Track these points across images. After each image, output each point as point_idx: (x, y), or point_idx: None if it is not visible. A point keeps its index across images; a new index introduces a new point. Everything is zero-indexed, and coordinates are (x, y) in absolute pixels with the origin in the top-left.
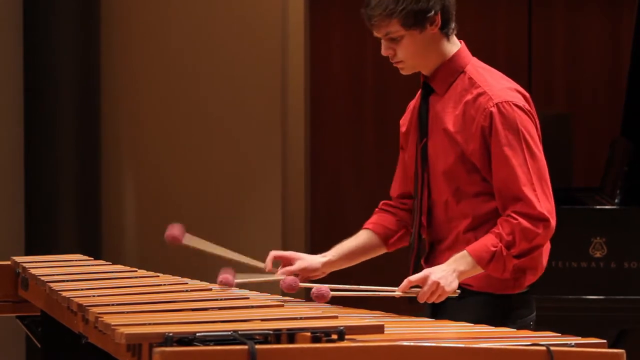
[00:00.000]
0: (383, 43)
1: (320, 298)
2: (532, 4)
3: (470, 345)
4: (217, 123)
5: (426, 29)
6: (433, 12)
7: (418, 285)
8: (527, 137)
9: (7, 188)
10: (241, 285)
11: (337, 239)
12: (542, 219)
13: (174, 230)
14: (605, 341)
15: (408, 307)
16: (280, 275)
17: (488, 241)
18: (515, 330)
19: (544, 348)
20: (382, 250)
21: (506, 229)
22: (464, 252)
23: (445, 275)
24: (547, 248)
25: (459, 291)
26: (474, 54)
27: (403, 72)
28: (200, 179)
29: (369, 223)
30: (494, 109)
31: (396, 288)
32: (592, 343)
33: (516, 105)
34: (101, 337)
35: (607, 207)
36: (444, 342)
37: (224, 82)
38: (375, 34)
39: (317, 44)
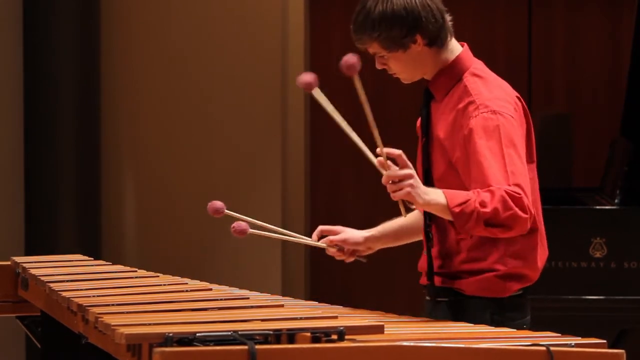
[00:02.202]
0: (376, 59)
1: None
2: (532, 4)
3: (471, 346)
4: (217, 123)
5: (410, 48)
6: (409, 37)
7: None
8: (507, 143)
9: (7, 188)
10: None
11: None
12: (522, 205)
13: (216, 204)
14: (605, 341)
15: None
16: (321, 243)
17: (465, 193)
18: (515, 330)
19: (544, 348)
20: None
21: (485, 191)
22: (439, 190)
23: (421, 186)
24: (542, 254)
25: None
26: (473, 54)
27: (404, 82)
28: (200, 179)
29: None
30: (476, 117)
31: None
32: (592, 343)
33: (500, 114)
34: (101, 337)
35: (607, 207)
36: (444, 343)
37: (224, 82)
38: (368, 50)
39: (317, 44)
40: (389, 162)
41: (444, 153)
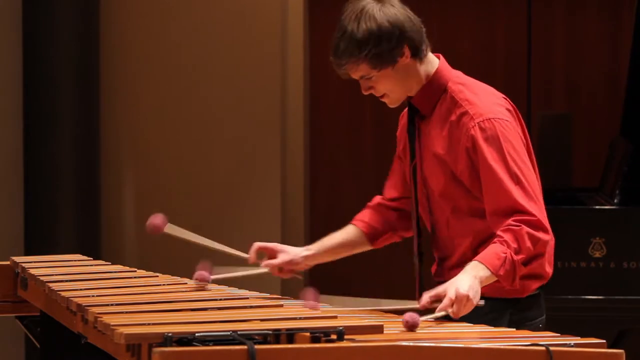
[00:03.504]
0: (361, 84)
1: (313, 307)
2: (532, 4)
3: (470, 346)
4: (217, 123)
5: (397, 62)
6: (399, 48)
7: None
8: (511, 152)
9: (6, 188)
10: (219, 282)
11: None
12: (542, 227)
13: (156, 219)
14: (604, 341)
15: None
16: (263, 268)
17: (497, 249)
18: (514, 330)
19: (543, 348)
20: (367, 248)
21: (510, 236)
22: (475, 262)
23: (472, 285)
24: (550, 256)
25: (482, 302)
26: (473, 55)
27: (391, 105)
28: (200, 179)
29: (357, 220)
30: (475, 129)
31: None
32: (592, 343)
33: (497, 120)
34: (100, 337)
35: (606, 207)
36: (443, 342)
37: (223, 83)
38: (352, 76)
39: (317, 45)
40: (429, 298)
41: (445, 167)
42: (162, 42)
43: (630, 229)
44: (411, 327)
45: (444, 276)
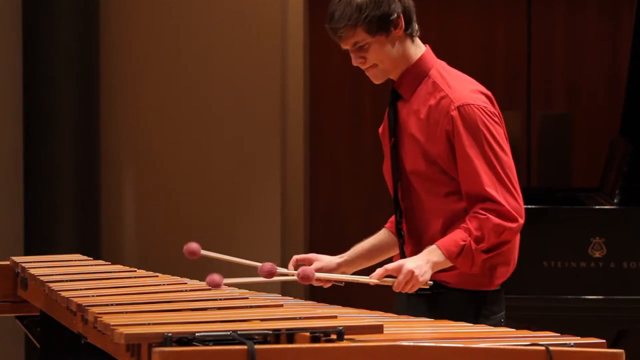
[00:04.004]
0: (352, 54)
1: (306, 279)
2: (532, 5)
3: (470, 345)
4: (217, 123)
5: (391, 32)
6: (396, 15)
7: (392, 275)
8: (489, 138)
9: (6, 188)
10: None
11: (336, 239)
12: (509, 217)
13: (192, 245)
14: (604, 341)
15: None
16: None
17: (457, 236)
18: (514, 330)
19: (543, 348)
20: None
21: (474, 224)
22: (434, 246)
23: (420, 265)
24: (516, 244)
25: (431, 282)
26: (473, 55)
27: (376, 81)
28: (199, 179)
29: (388, 222)
30: (455, 112)
31: (370, 278)
32: (592, 343)
33: (477, 107)
34: (100, 337)
35: (606, 207)
36: (443, 342)
37: (223, 83)
38: (343, 46)
39: (317, 44)
40: (378, 272)
41: (421, 149)
42: (162, 42)
43: (630, 229)
44: (266, 275)
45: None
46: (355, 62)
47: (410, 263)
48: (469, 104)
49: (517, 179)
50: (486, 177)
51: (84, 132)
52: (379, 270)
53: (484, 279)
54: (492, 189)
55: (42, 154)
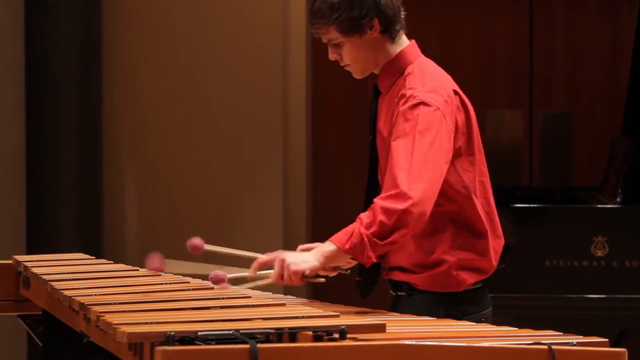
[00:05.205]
0: (329, 48)
1: (195, 249)
2: (533, 4)
3: (472, 344)
4: (219, 122)
5: (365, 33)
6: (368, 19)
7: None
8: (423, 130)
9: (8, 187)
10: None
11: None
12: (401, 197)
13: (196, 239)
14: (607, 340)
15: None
16: None
17: (348, 227)
18: (516, 329)
19: (545, 347)
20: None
21: (367, 212)
22: (327, 240)
23: (301, 255)
24: (496, 247)
25: (348, 271)
26: (474, 54)
27: (355, 76)
28: (201, 177)
29: None
30: (404, 108)
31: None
32: (594, 342)
33: (424, 104)
34: (103, 336)
35: (608, 206)
36: (446, 341)
37: (225, 81)
38: (322, 39)
39: (319, 42)
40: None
41: (386, 145)
42: (164, 42)
43: (632, 227)
44: (215, 282)
45: (390, 259)
46: (331, 57)
47: (288, 254)
48: (418, 103)
49: (438, 172)
50: (402, 160)
51: (85, 131)
52: (254, 263)
53: (451, 280)
54: (400, 170)
55: (44, 153)
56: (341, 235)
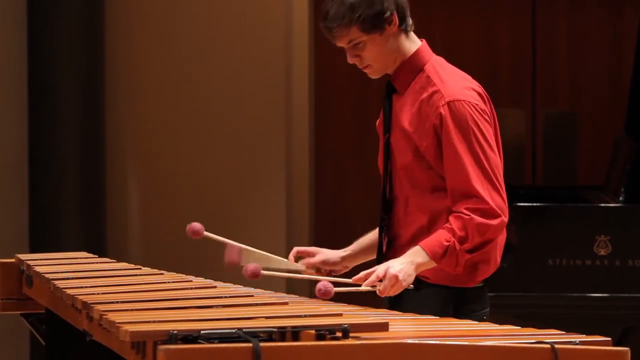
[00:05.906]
0: (347, 52)
1: (326, 294)
2: (536, 4)
3: (475, 343)
4: (221, 122)
5: (385, 29)
6: (389, 13)
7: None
8: (477, 134)
9: (11, 186)
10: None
11: (341, 235)
12: (493, 214)
13: (195, 225)
14: (610, 339)
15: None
16: (300, 266)
17: (441, 236)
18: (519, 328)
19: (548, 346)
20: None
21: (458, 224)
22: (418, 247)
23: (404, 268)
24: (500, 244)
25: (412, 285)
26: (478, 55)
27: (372, 76)
28: (204, 177)
29: None
30: (445, 107)
31: (354, 280)
32: (597, 341)
33: (467, 103)
34: (105, 334)
35: (611, 205)
36: (449, 340)
37: (228, 81)
38: (338, 44)
39: (322, 42)
40: (363, 275)
41: (410, 143)
42: (167, 43)
43: (635, 226)
44: (323, 295)
45: (396, 255)
46: (350, 61)
47: (394, 267)
48: (459, 100)
49: (502, 178)
50: (473, 173)
51: (88, 130)
52: (360, 275)
53: (464, 276)
54: (478, 184)
55: (47, 152)
56: (435, 247)
